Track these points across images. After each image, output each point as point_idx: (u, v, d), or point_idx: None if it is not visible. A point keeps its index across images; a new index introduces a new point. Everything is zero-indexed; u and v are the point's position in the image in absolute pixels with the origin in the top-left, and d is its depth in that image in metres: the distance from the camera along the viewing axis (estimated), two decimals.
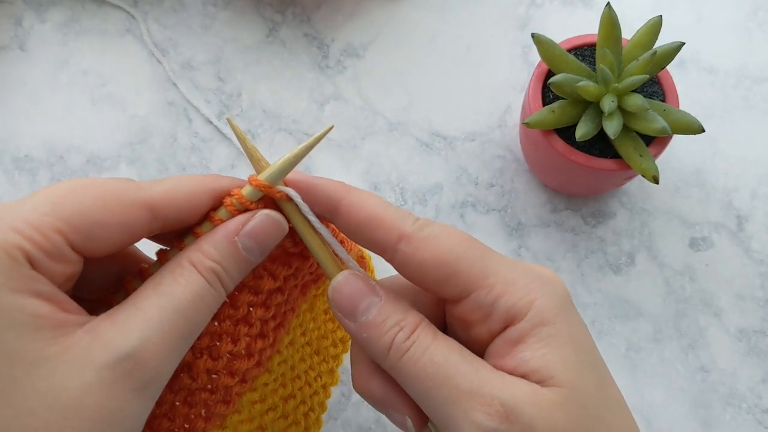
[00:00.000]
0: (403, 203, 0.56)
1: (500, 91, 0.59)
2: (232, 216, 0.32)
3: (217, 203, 0.32)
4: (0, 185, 0.56)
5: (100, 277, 0.33)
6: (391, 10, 0.61)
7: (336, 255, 0.33)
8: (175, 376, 0.32)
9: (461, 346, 0.30)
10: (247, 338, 0.33)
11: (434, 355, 0.29)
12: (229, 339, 0.33)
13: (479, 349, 0.31)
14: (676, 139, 0.53)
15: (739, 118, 0.58)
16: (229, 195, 0.32)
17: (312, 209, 0.32)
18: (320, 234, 0.33)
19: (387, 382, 0.31)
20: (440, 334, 0.30)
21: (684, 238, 0.55)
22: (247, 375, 0.34)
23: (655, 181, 0.46)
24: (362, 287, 0.31)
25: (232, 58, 0.60)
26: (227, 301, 0.33)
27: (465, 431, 0.28)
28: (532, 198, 0.56)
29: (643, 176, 0.47)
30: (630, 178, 0.51)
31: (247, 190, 0.32)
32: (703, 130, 0.47)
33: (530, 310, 0.29)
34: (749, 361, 0.51)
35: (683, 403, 0.50)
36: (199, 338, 0.32)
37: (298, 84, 0.59)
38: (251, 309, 0.33)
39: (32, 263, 0.27)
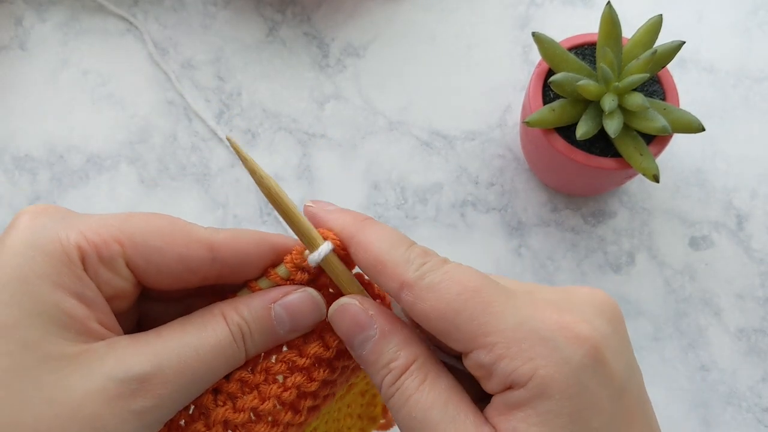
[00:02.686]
0: (403, 202, 0.56)
1: (500, 90, 0.59)
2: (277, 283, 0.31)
3: (277, 261, 0.31)
4: (0, 185, 0.56)
5: (168, 315, 0.33)
6: (391, 9, 0.62)
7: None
8: (191, 421, 0.30)
9: (451, 394, 0.28)
10: (277, 401, 0.31)
11: (414, 409, 0.28)
12: (257, 394, 0.31)
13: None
14: (677, 138, 0.53)
15: (739, 118, 0.58)
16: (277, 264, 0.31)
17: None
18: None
19: None
20: (432, 376, 0.29)
21: (684, 237, 0.55)
22: None
23: (656, 180, 0.46)
24: (359, 318, 0.30)
25: (232, 57, 0.60)
26: (264, 354, 0.31)
27: None
28: (533, 197, 0.56)
29: (643, 175, 0.47)
30: (630, 177, 0.51)
31: (281, 270, 0.31)
32: (704, 129, 0.47)
33: (531, 379, 0.26)
34: (749, 360, 0.51)
35: (683, 402, 0.50)
36: (228, 383, 0.31)
37: (298, 83, 0.59)
38: (290, 376, 0.32)
39: (85, 264, 0.27)
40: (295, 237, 0.32)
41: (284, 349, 0.32)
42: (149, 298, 0.32)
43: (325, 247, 0.31)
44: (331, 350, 0.32)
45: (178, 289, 0.31)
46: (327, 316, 0.32)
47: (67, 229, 0.27)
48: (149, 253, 0.28)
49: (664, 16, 0.48)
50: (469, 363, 0.28)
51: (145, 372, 0.27)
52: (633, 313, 0.53)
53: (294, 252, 0.31)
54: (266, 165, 0.57)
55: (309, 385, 0.32)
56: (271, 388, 0.31)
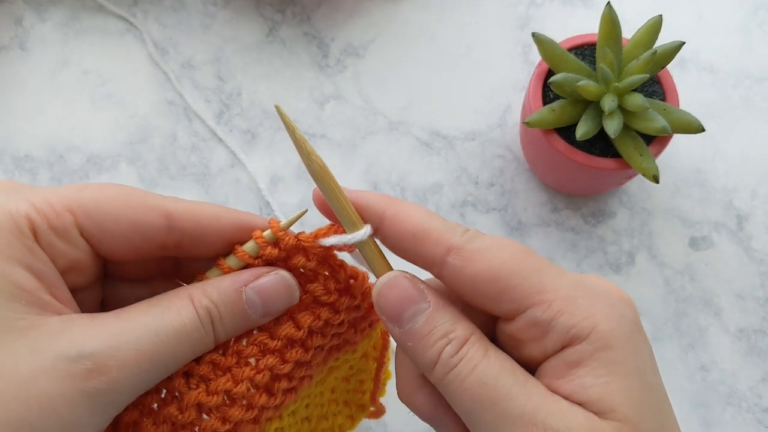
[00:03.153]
0: None
1: (500, 90, 0.59)
2: (246, 263, 0.30)
3: (244, 238, 0.30)
4: None
5: (134, 296, 0.32)
6: (391, 9, 0.61)
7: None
8: (163, 405, 0.29)
9: (514, 363, 0.28)
10: (250, 384, 0.30)
11: (484, 375, 0.27)
12: (230, 376, 0.30)
13: (530, 368, 0.29)
14: (676, 138, 0.53)
15: (739, 118, 0.58)
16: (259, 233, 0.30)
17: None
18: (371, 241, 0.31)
19: (434, 395, 0.29)
20: (493, 348, 0.28)
21: (684, 237, 0.55)
22: (240, 429, 0.31)
23: (656, 180, 0.46)
24: (410, 291, 0.29)
25: (232, 57, 0.60)
26: (244, 343, 0.31)
27: None
28: (532, 197, 0.56)
29: (643, 175, 0.47)
30: (630, 177, 0.51)
31: (249, 247, 0.31)
32: (704, 130, 0.47)
33: (593, 332, 0.26)
34: (749, 360, 0.51)
35: (683, 402, 0.50)
36: (199, 366, 0.30)
37: (298, 83, 0.59)
38: (263, 356, 0.31)
39: (36, 235, 0.26)
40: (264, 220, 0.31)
41: (255, 332, 0.31)
42: (113, 279, 0.31)
43: (367, 229, 0.30)
44: (302, 330, 0.31)
45: (138, 261, 0.30)
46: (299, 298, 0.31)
47: (17, 200, 0.27)
48: (103, 220, 0.28)
49: (664, 17, 0.48)
50: (517, 326, 0.28)
51: (99, 352, 0.26)
52: None
53: (272, 223, 0.31)
54: (266, 165, 0.57)
55: (282, 366, 0.31)
56: (244, 371, 0.30)
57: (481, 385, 0.26)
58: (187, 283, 0.31)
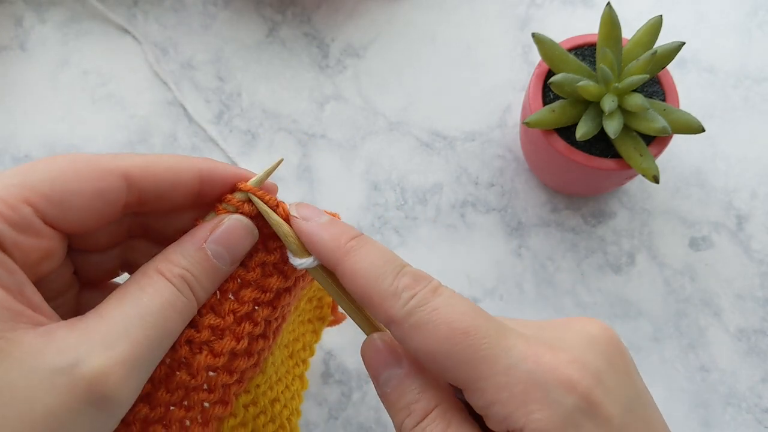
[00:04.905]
0: (403, 203, 0.56)
1: (500, 90, 0.59)
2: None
3: (206, 187, 0.31)
4: None
5: (106, 262, 0.31)
6: (391, 10, 0.61)
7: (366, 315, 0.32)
8: (172, 374, 0.30)
9: None
10: (250, 337, 0.32)
11: None
12: (232, 336, 0.31)
13: None
14: (676, 138, 0.53)
15: (739, 118, 0.58)
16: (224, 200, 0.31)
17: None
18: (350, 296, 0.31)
19: None
20: (456, 424, 0.27)
21: (684, 237, 0.55)
22: (245, 375, 0.33)
23: (656, 180, 0.46)
24: (384, 356, 0.29)
25: (232, 57, 0.60)
26: (231, 297, 0.32)
27: None
28: (532, 198, 0.56)
29: (643, 176, 0.47)
30: (630, 177, 0.51)
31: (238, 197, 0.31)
32: (703, 130, 0.47)
33: (525, 427, 0.25)
34: (749, 360, 0.51)
35: (683, 402, 0.50)
36: (198, 332, 0.31)
37: (298, 84, 0.59)
38: (257, 308, 0.32)
39: None
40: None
41: (241, 289, 0.32)
42: (81, 251, 0.30)
43: (310, 261, 0.31)
44: (291, 279, 0.32)
45: (103, 227, 0.29)
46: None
47: None
48: (63, 199, 0.26)
49: (664, 17, 0.48)
50: (467, 398, 0.27)
51: (92, 357, 0.24)
52: (633, 313, 0.53)
53: (241, 187, 0.31)
54: (266, 165, 0.57)
55: (274, 313, 0.32)
56: (244, 327, 0.31)
57: None
58: (157, 244, 0.31)
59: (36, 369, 0.24)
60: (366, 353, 0.30)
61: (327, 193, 0.56)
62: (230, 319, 0.31)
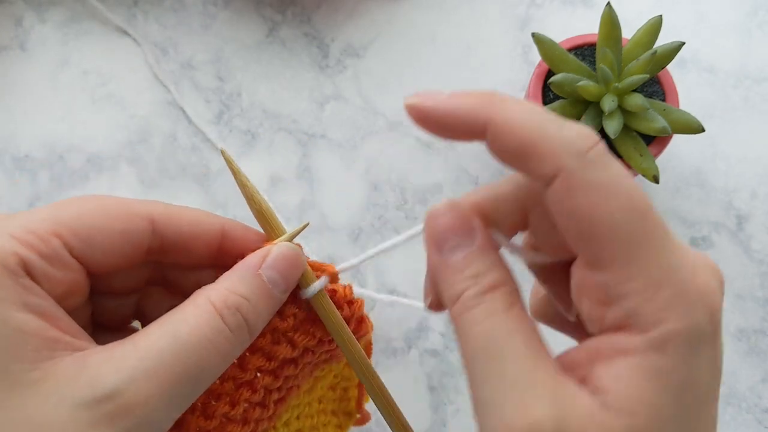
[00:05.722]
0: (403, 203, 0.56)
1: (500, 90, 0.59)
2: None
3: (227, 245, 0.30)
4: (0, 185, 0.56)
5: (122, 308, 0.32)
6: (391, 9, 0.61)
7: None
8: None
9: (535, 331, 0.25)
10: (247, 404, 0.31)
11: (496, 328, 0.24)
12: (227, 400, 0.30)
13: (581, 332, 0.27)
14: (676, 138, 0.53)
15: (739, 118, 0.58)
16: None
17: None
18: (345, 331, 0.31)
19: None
20: (519, 307, 0.25)
21: (684, 237, 0.55)
22: None
23: (656, 180, 0.46)
24: (461, 224, 0.27)
25: (232, 57, 0.60)
26: (235, 361, 0.30)
27: (492, 425, 0.23)
28: None
29: (643, 176, 0.47)
30: None
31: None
32: (703, 130, 0.47)
33: (654, 329, 0.23)
34: (749, 360, 0.51)
35: None
36: None
37: (298, 84, 0.59)
38: (259, 374, 0.31)
39: (28, 269, 0.25)
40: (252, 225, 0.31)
41: (246, 353, 0.31)
42: (99, 294, 0.30)
43: (320, 282, 0.30)
44: (297, 350, 0.31)
45: (126, 269, 0.29)
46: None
47: None
48: (90, 235, 0.27)
49: (664, 17, 0.48)
50: (592, 279, 0.24)
51: (119, 391, 0.24)
52: None
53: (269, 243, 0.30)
54: (266, 165, 0.57)
55: (275, 382, 0.31)
56: (242, 394, 0.30)
57: (489, 336, 0.24)
58: (174, 296, 0.31)
59: (67, 401, 0.24)
60: (440, 219, 0.27)
61: (327, 193, 0.56)
62: (230, 384, 0.30)
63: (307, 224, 0.32)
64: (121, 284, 0.30)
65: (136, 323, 0.33)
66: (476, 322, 0.25)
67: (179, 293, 0.31)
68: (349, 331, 0.32)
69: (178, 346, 0.25)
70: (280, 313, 0.31)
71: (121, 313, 0.31)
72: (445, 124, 0.27)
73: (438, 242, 0.27)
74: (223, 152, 0.31)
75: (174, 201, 0.55)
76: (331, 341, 0.33)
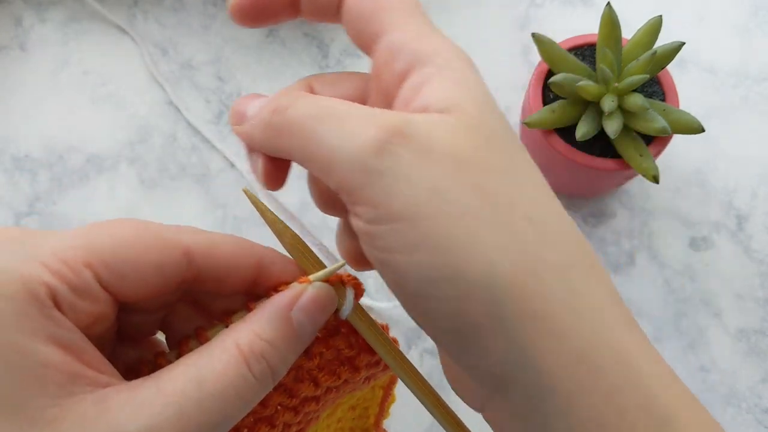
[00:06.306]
0: None
1: (500, 90, 0.59)
2: None
3: (263, 277, 0.29)
4: (0, 185, 0.56)
5: (147, 324, 0.31)
6: None
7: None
8: None
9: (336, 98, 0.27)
10: None
11: (320, 99, 0.26)
12: None
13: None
14: (676, 138, 0.53)
15: (739, 118, 0.58)
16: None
17: None
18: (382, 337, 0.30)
19: None
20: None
21: (684, 237, 0.55)
22: None
23: (656, 180, 0.46)
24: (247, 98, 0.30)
25: (232, 57, 0.60)
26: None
27: (348, 152, 0.24)
28: None
29: (643, 176, 0.47)
30: (630, 177, 0.51)
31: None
32: (703, 130, 0.47)
33: (436, 55, 0.25)
34: (749, 361, 0.51)
35: None
36: None
37: None
38: (279, 408, 0.30)
39: (56, 300, 0.24)
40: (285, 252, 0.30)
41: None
42: (126, 311, 0.29)
43: (350, 296, 0.29)
44: (321, 389, 0.31)
45: (156, 297, 0.28)
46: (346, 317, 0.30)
47: (27, 264, 0.24)
48: (122, 268, 0.25)
49: (664, 17, 0.48)
50: (379, 54, 0.27)
51: None
52: (633, 313, 0.53)
53: (302, 281, 0.29)
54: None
55: (295, 417, 0.31)
56: (260, 429, 0.30)
57: (317, 105, 0.26)
58: (200, 312, 0.30)
59: None
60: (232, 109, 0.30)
61: None
62: (249, 419, 0.29)
63: (344, 263, 0.30)
64: (148, 306, 0.30)
65: (159, 334, 0.33)
66: (294, 113, 0.27)
67: (206, 312, 0.30)
68: (390, 340, 0.31)
69: (202, 394, 0.25)
70: (306, 352, 0.30)
71: (145, 328, 0.31)
72: (264, 7, 0.29)
73: (239, 115, 0.30)
74: (246, 192, 0.30)
75: (174, 201, 0.56)
76: (356, 380, 0.32)
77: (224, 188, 0.56)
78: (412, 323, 0.53)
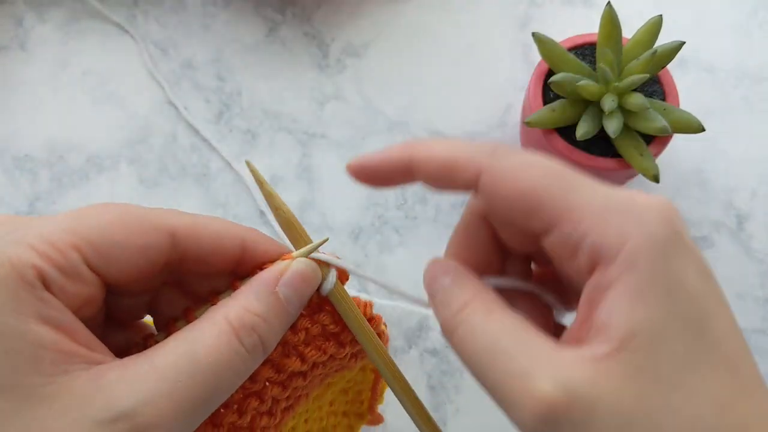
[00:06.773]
0: (403, 203, 0.56)
1: (501, 90, 0.59)
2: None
3: (247, 257, 0.30)
4: (0, 185, 0.56)
5: (135, 307, 0.32)
6: (392, 9, 0.62)
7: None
8: None
9: (517, 320, 0.26)
10: (254, 413, 0.31)
11: (483, 338, 0.25)
12: (236, 409, 0.30)
13: (576, 286, 0.27)
14: (677, 138, 0.53)
15: (739, 118, 0.58)
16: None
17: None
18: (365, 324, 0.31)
19: None
20: (496, 309, 0.27)
21: None
22: None
23: (656, 180, 0.46)
24: (442, 269, 0.29)
25: (232, 57, 0.60)
26: None
27: (519, 417, 0.24)
28: None
29: (643, 175, 0.47)
30: (630, 177, 0.51)
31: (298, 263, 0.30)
32: (704, 130, 0.47)
33: (621, 251, 0.24)
34: None
35: None
36: None
37: (298, 83, 0.59)
38: (267, 384, 0.31)
39: (45, 282, 0.25)
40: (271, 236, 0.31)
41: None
42: (113, 294, 0.30)
43: (332, 274, 0.30)
44: (307, 364, 0.31)
45: (141, 280, 0.29)
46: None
47: (16, 247, 0.24)
48: (109, 250, 0.26)
49: (664, 17, 0.48)
50: (552, 241, 0.26)
51: (135, 410, 0.24)
52: None
53: (286, 257, 0.30)
54: (266, 165, 0.57)
55: (283, 392, 0.31)
56: (250, 403, 0.30)
57: (480, 352, 0.25)
58: (187, 295, 0.31)
59: (83, 419, 0.23)
60: (424, 275, 0.29)
61: (327, 193, 0.56)
62: (238, 394, 0.30)
63: (327, 239, 0.32)
64: (134, 288, 0.30)
65: (147, 317, 0.33)
66: (462, 341, 0.26)
67: (193, 294, 0.31)
68: (368, 325, 0.32)
69: (194, 367, 0.25)
70: (292, 327, 0.31)
71: (133, 311, 0.31)
72: (382, 173, 0.30)
73: (429, 290, 0.29)
74: (248, 163, 0.31)
75: (174, 201, 0.56)
76: (342, 356, 0.33)
77: (224, 188, 0.56)
78: (413, 323, 0.53)
